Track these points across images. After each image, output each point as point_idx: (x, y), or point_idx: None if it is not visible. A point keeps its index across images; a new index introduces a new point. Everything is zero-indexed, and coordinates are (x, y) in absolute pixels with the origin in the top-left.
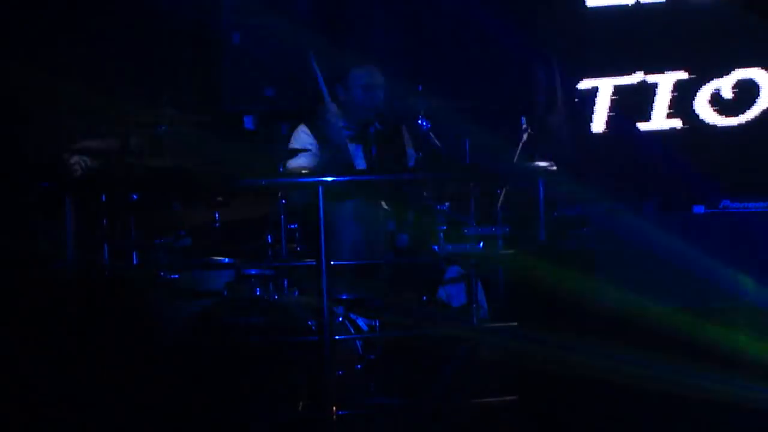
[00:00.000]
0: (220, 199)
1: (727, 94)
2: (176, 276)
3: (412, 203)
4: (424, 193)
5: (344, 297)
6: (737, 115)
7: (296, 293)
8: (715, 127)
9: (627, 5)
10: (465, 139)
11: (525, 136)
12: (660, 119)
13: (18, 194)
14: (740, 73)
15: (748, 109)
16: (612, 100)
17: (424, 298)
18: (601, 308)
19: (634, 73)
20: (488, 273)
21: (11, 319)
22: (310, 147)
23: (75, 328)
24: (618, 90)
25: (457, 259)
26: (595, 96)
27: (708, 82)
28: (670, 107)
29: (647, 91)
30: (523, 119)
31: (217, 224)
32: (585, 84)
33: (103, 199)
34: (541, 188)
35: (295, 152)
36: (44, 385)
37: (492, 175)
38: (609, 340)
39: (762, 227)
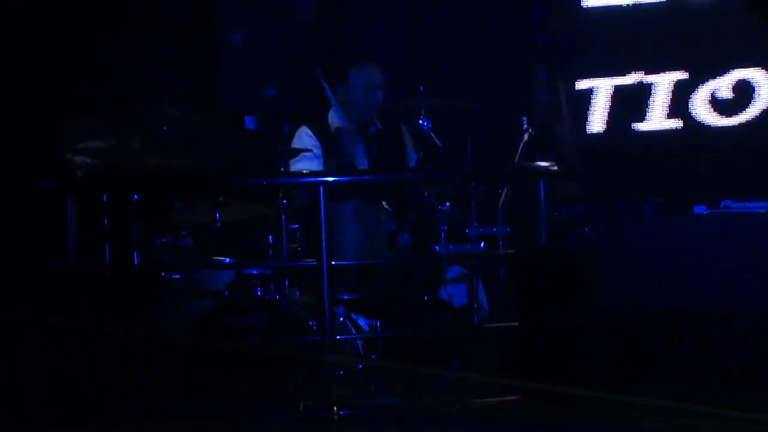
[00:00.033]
0: (221, 198)
1: (725, 94)
2: (177, 276)
3: (412, 203)
4: (425, 193)
5: (345, 297)
6: (735, 116)
7: (297, 293)
8: (712, 127)
9: (624, 5)
10: (466, 139)
11: (525, 136)
12: (658, 119)
13: (19, 194)
14: (738, 74)
15: (746, 109)
16: (609, 101)
17: (425, 298)
18: (601, 308)
19: (632, 73)
20: (489, 273)
21: (12, 318)
22: (312, 149)
23: (76, 328)
24: (616, 90)
25: (458, 259)
26: (593, 96)
27: (706, 82)
28: (667, 107)
29: (645, 92)
30: (524, 119)
31: (218, 224)
32: (582, 84)
33: (105, 199)
34: (542, 188)
35: (296, 152)
36: (45, 385)
37: (492, 175)
38: (609, 340)
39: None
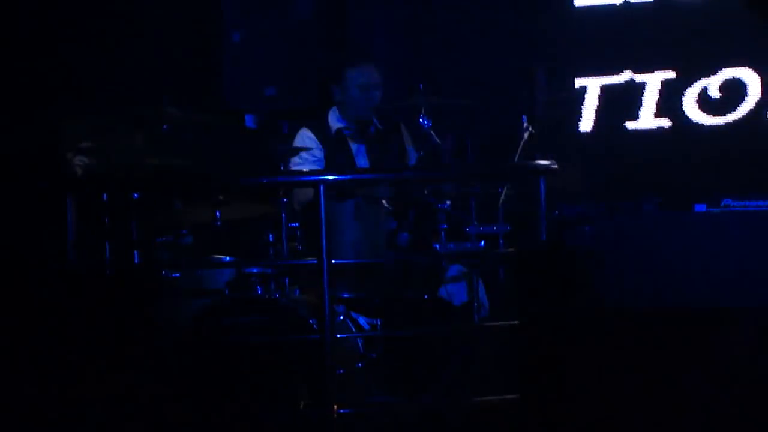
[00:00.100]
0: (221, 197)
1: (715, 93)
2: (178, 274)
3: (413, 201)
4: (425, 192)
5: (345, 296)
6: (725, 115)
7: (297, 292)
8: (702, 126)
9: (615, 5)
10: (466, 139)
11: (525, 136)
12: (648, 119)
13: (19, 194)
14: (728, 73)
15: (736, 108)
16: (600, 100)
17: (426, 296)
18: (601, 308)
19: (622, 72)
20: (489, 271)
21: (12, 318)
22: (314, 150)
23: (76, 328)
24: (606, 89)
25: (459, 258)
26: (584, 95)
27: (696, 81)
28: (657, 107)
29: (635, 91)
30: (524, 118)
31: (219, 223)
32: (576, 83)
33: (105, 198)
34: (542, 187)
35: (297, 150)
36: (45, 384)
37: (492, 174)
38: (609, 340)
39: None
